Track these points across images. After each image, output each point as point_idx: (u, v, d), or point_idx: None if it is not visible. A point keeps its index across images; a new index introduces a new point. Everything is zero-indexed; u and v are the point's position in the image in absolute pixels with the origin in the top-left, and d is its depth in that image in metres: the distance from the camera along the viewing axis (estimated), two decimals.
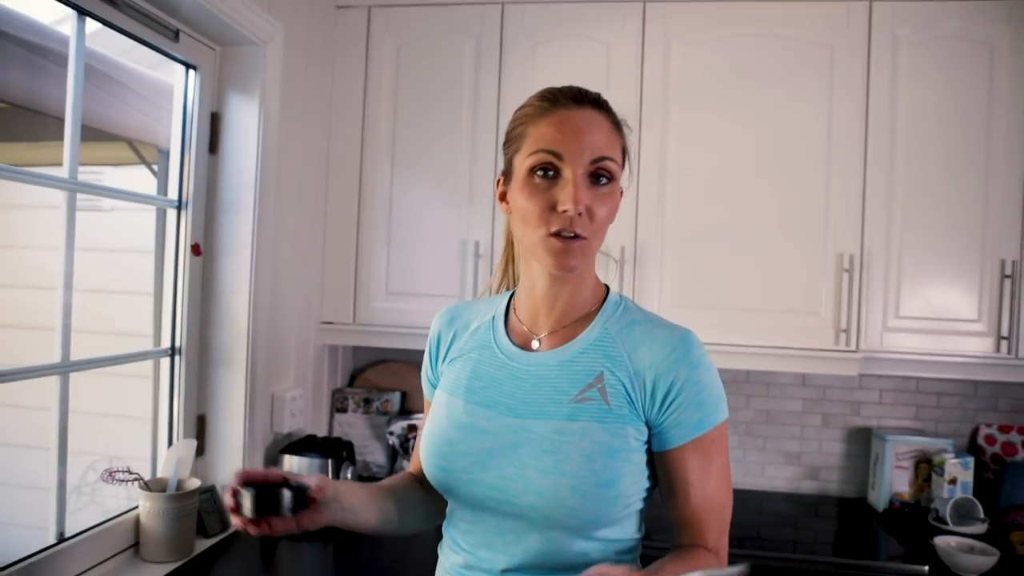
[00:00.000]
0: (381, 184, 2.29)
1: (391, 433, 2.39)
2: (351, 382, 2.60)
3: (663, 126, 2.15)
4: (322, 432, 2.42)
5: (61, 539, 1.52)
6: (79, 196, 2.34)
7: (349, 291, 2.30)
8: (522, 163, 1.00)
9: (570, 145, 0.96)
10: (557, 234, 0.96)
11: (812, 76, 2.09)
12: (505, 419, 1.01)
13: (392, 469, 2.42)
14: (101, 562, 1.59)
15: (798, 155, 2.09)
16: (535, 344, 1.07)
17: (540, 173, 0.98)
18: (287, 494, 0.91)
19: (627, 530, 1.01)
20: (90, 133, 2.15)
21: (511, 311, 1.13)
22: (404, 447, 2.37)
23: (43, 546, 1.48)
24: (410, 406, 2.52)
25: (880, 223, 2.07)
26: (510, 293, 1.17)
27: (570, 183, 0.95)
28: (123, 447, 2.02)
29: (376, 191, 2.29)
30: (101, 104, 1.87)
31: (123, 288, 2.20)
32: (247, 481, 0.93)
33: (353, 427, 2.44)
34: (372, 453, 2.43)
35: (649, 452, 1.00)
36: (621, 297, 1.09)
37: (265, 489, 0.91)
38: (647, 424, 0.98)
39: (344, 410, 2.46)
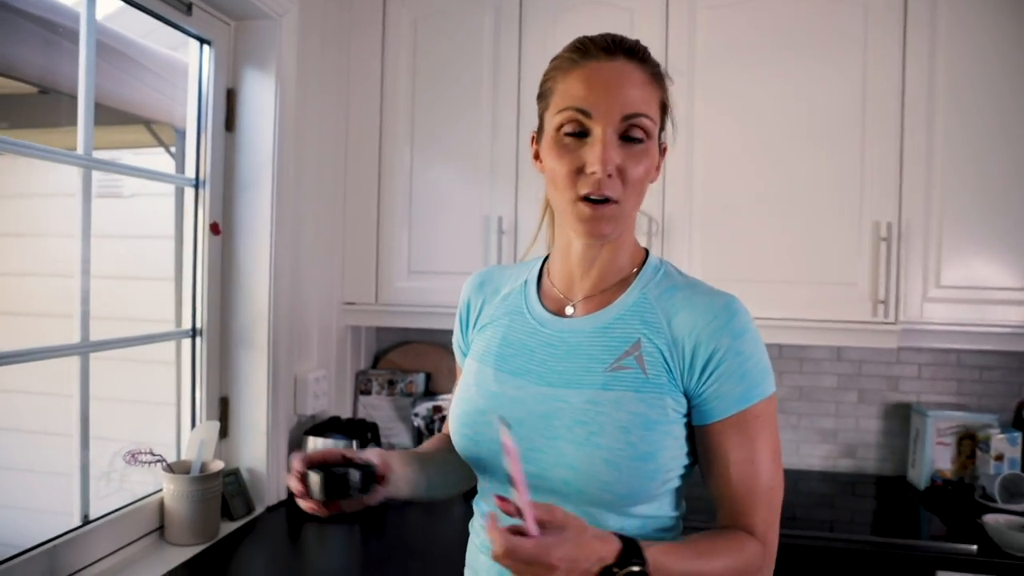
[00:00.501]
0: (401, 161, 2.24)
1: (416, 415, 2.35)
2: (375, 364, 2.56)
3: (690, 95, 2.07)
4: (346, 414, 2.39)
5: (86, 521, 1.50)
6: (100, 184, 2.33)
7: (371, 271, 2.26)
8: (551, 121, 0.95)
9: (598, 101, 0.90)
10: (586, 198, 0.91)
11: (844, 37, 2.00)
12: (536, 388, 0.97)
13: None
14: (126, 545, 1.57)
15: (831, 121, 2.01)
16: (569, 310, 1.02)
17: (568, 132, 0.92)
18: (355, 474, 0.90)
19: (665, 507, 0.96)
20: (107, 116, 2.13)
21: (544, 276, 1.08)
22: (430, 429, 2.33)
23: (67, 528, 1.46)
24: (435, 387, 2.48)
25: (919, 190, 1.98)
26: (544, 257, 1.11)
27: (599, 143, 0.89)
28: (149, 433, 2.00)
29: (396, 168, 2.24)
30: (116, 83, 1.85)
31: (145, 275, 2.18)
32: (310, 464, 0.92)
33: (378, 409, 2.41)
34: (397, 435, 2.40)
35: (689, 426, 0.94)
36: (661, 261, 1.03)
37: (333, 471, 0.90)
38: (686, 395, 0.93)
39: (368, 392, 2.43)
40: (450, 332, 1.20)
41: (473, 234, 2.19)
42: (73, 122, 1.56)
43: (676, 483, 0.96)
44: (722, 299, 0.94)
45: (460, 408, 1.03)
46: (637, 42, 0.96)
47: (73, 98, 1.47)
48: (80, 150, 1.48)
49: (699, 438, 0.94)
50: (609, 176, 0.89)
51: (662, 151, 0.99)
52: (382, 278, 2.25)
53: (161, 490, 1.67)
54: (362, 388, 2.44)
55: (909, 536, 1.83)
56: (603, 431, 0.89)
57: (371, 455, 0.95)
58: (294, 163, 1.96)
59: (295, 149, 1.96)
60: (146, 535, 1.63)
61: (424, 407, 2.35)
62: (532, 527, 0.77)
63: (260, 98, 1.88)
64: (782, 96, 2.03)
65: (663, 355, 0.92)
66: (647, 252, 1.04)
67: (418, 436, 2.38)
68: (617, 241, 0.99)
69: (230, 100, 1.88)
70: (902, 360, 2.35)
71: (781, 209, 2.04)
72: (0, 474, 2.06)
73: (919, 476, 2.20)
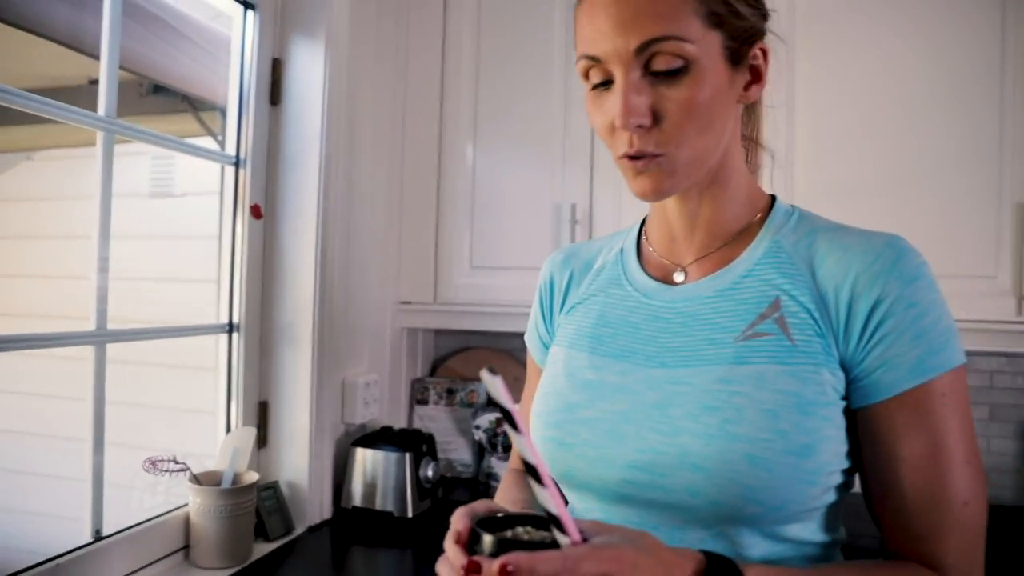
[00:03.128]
0: (463, 145, 2.02)
1: (477, 427, 2.11)
2: (432, 372, 2.34)
3: (790, 59, 1.80)
4: (400, 425, 2.16)
5: (98, 538, 1.30)
6: (152, 183, 2.17)
7: (429, 266, 2.03)
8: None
9: (603, 40, 0.69)
10: (626, 156, 0.71)
11: None
12: (645, 371, 0.73)
13: (479, 468, 2.13)
14: (145, 565, 1.36)
15: (961, 85, 1.71)
16: (679, 276, 0.79)
17: (595, 84, 0.72)
18: (563, 540, 0.54)
19: (822, 529, 0.71)
20: (153, 106, 1.98)
21: (643, 241, 0.86)
22: (492, 443, 2.09)
23: (77, 544, 1.26)
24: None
25: None
26: (641, 220, 0.89)
27: (619, 91, 0.69)
28: (191, 445, 1.82)
29: (457, 152, 2.02)
30: (154, 50, 1.69)
31: (195, 277, 2.02)
32: (479, 521, 0.59)
33: (435, 420, 2.18)
34: (456, 450, 2.16)
35: (849, 412, 0.69)
36: (793, 207, 0.80)
37: (520, 537, 0.56)
38: (843, 367, 0.68)
39: (425, 402, 2.20)
40: (515, 335, 0.98)
41: (542, 225, 1.95)
42: (135, 111, 1.39)
43: (836, 495, 0.70)
44: (884, 237, 0.70)
45: (545, 406, 0.79)
46: None
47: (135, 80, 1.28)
48: (101, 111, 1.31)
49: (860, 427, 0.69)
50: (641, 127, 0.69)
51: (759, 58, 0.75)
52: (441, 274, 2.03)
53: (187, 504, 1.47)
54: (418, 397, 2.21)
55: None
56: (742, 417, 0.65)
57: (569, 525, 0.53)
58: (345, 141, 1.76)
59: (346, 126, 1.76)
60: (169, 555, 1.42)
61: (486, 419, 2.10)
62: (574, 532, 0.52)
63: (308, 69, 1.69)
64: (899, 57, 1.74)
65: (811, 314, 0.69)
66: (773, 197, 0.81)
67: (479, 451, 2.14)
68: (718, 189, 0.77)
69: (275, 71, 1.70)
70: None
71: (901, 192, 1.74)
72: (34, 480, 1.91)
73: None
